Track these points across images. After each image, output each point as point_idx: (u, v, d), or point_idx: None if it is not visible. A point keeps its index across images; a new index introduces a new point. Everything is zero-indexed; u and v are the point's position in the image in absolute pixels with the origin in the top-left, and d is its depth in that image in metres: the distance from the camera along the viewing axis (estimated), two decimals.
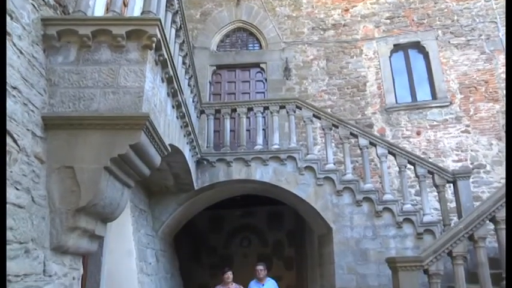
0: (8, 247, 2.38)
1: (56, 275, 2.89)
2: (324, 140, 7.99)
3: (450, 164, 8.83)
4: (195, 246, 13.09)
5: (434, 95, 9.66)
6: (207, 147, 7.57)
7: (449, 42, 9.91)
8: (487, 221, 4.95)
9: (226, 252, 13.03)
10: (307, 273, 9.84)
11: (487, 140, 9.04)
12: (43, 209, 2.83)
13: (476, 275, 5.01)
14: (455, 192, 6.77)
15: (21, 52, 2.75)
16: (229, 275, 6.68)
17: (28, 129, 2.75)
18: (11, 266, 2.41)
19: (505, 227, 4.94)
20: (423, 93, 9.79)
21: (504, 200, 4.88)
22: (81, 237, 3.12)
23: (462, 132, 9.21)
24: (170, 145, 4.32)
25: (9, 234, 2.41)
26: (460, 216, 6.37)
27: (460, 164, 8.70)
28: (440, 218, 6.86)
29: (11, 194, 2.46)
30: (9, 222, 2.42)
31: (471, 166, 8.68)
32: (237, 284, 6.76)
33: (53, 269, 2.86)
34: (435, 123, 9.37)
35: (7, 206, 2.40)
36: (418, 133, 9.37)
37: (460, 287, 4.74)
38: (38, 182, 2.80)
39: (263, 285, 6.71)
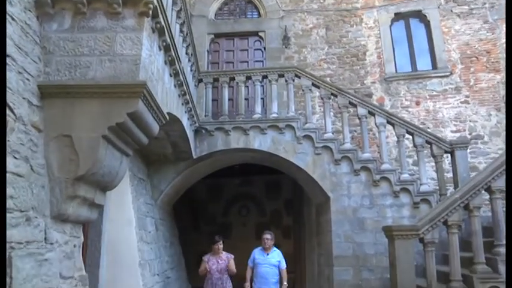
0: (9, 215, 2.40)
1: (57, 243, 2.93)
2: (322, 109, 7.97)
3: (448, 134, 8.84)
4: (194, 215, 13.25)
5: (434, 65, 9.56)
6: (205, 116, 7.56)
7: (451, 11, 9.73)
8: (483, 191, 5.01)
9: (225, 220, 13.21)
10: (305, 241, 10.00)
11: (486, 111, 9.02)
12: (42, 178, 2.84)
13: (470, 243, 5.11)
14: (453, 163, 6.81)
15: (12, 18, 2.68)
16: (219, 245, 6.50)
17: (24, 98, 2.72)
18: (13, 234, 2.44)
19: (499, 196, 5.01)
20: (423, 63, 9.68)
21: (501, 169, 4.92)
22: (81, 206, 3.15)
23: (461, 102, 9.17)
24: (168, 114, 4.30)
25: (9, 203, 2.42)
26: (456, 186, 6.43)
27: (458, 135, 8.71)
28: (437, 187, 6.93)
29: (9, 163, 2.46)
30: (9, 190, 2.43)
31: (469, 137, 8.69)
32: (227, 252, 6.60)
33: (54, 236, 2.90)
34: (435, 93, 9.32)
35: (6, 174, 2.41)
36: (417, 103, 9.33)
37: (454, 254, 4.84)
38: (36, 151, 2.80)
39: (267, 254, 6.43)
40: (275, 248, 6.56)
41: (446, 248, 5.06)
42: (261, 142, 7.22)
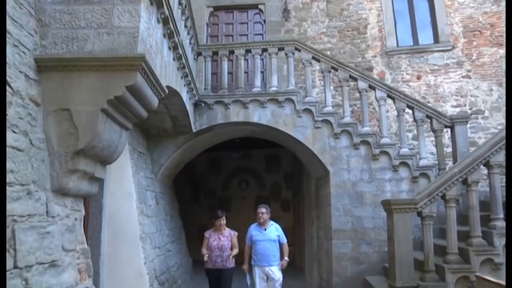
0: (10, 189, 2.41)
1: (58, 216, 2.95)
2: (322, 83, 7.92)
3: (449, 109, 8.81)
4: (194, 189, 13.36)
5: (436, 39, 9.43)
6: (204, 89, 7.51)
7: None
8: (481, 166, 5.04)
9: (225, 194, 13.32)
10: (304, 215, 10.11)
11: (488, 86, 8.95)
12: (42, 152, 2.84)
13: (467, 217, 5.18)
14: (452, 137, 6.82)
15: None
16: (221, 221, 6.02)
17: (21, 72, 2.69)
18: (15, 207, 2.45)
19: (498, 171, 5.04)
20: (425, 37, 9.54)
21: (500, 144, 4.93)
22: (81, 180, 3.16)
23: (463, 77, 9.09)
24: (167, 87, 4.28)
25: (10, 177, 2.43)
26: (455, 161, 6.46)
27: (458, 109, 8.67)
28: (436, 162, 6.96)
29: (8, 137, 2.45)
30: (9, 165, 2.43)
31: (469, 112, 8.66)
32: (230, 229, 6.15)
33: (55, 210, 2.92)
34: (436, 67, 9.23)
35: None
36: (418, 77, 9.26)
37: (451, 228, 4.90)
38: (35, 125, 2.79)
39: (265, 229, 5.95)
40: (272, 222, 6.14)
41: (444, 221, 5.13)
42: (260, 115, 7.20)
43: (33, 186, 2.67)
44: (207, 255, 5.86)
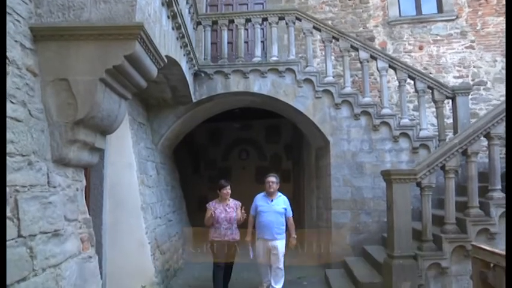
0: (11, 159, 2.41)
1: (60, 186, 2.97)
2: (323, 53, 7.84)
3: (451, 80, 8.73)
4: (195, 159, 13.40)
5: (440, 8, 9.24)
6: (204, 59, 7.44)
7: None
8: (481, 137, 5.04)
9: (225, 164, 13.37)
10: (304, 185, 10.19)
11: (492, 57, 8.84)
12: (41, 122, 2.82)
13: (465, 188, 5.22)
14: (453, 108, 6.80)
15: None
16: (227, 190, 5.75)
17: (16, 41, 2.64)
18: (17, 178, 2.46)
19: (498, 143, 5.05)
20: (428, 7, 9.34)
21: (501, 116, 4.91)
22: (82, 150, 3.16)
23: (466, 47, 8.96)
24: (166, 56, 4.22)
25: (11, 147, 2.42)
26: (456, 132, 6.46)
27: (460, 81, 8.60)
28: (437, 133, 6.96)
29: (6, 107, 2.43)
30: (9, 135, 2.42)
31: (472, 83, 8.58)
32: (234, 200, 5.87)
33: (56, 180, 2.93)
34: (439, 37, 9.09)
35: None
36: (421, 48, 9.13)
37: (449, 199, 4.95)
38: (33, 96, 2.76)
39: (272, 200, 5.68)
40: (280, 194, 5.81)
41: (442, 192, 5.17)
42: (260, 85, 7.16)
43: (34, 156, 2.68)
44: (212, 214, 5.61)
